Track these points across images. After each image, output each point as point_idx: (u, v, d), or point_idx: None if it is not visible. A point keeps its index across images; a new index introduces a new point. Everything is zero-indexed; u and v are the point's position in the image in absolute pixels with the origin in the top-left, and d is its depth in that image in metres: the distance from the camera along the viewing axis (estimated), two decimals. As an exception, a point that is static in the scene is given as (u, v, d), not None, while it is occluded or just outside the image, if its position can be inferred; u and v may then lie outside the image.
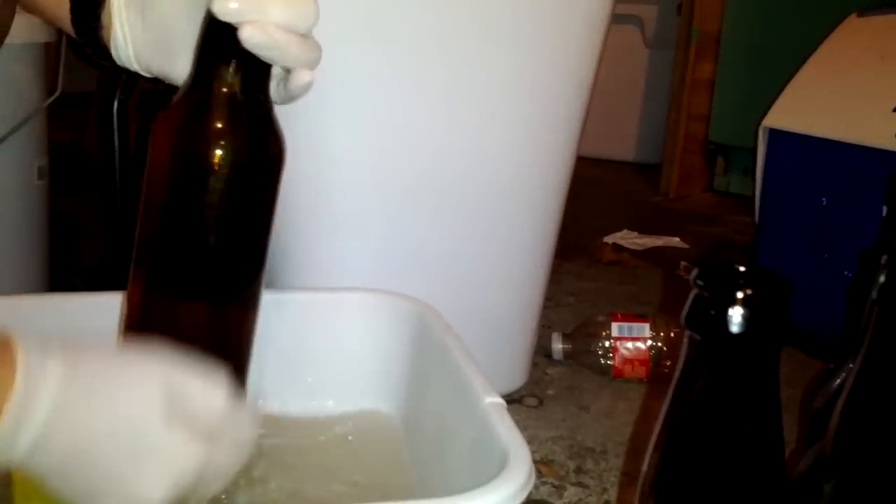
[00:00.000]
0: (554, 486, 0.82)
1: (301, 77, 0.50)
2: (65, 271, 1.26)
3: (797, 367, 0.97)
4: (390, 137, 0.84)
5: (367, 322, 0.71)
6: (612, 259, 1.52)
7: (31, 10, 0.60)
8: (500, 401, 0.55)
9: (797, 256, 1.16)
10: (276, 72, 0.51)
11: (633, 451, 0.88)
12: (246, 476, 0.58)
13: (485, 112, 0.86)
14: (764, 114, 1.20)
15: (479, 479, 0.45)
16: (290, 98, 0.52)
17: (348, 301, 0.72)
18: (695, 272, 0.33)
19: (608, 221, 1.71)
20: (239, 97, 0.49)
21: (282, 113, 0.53)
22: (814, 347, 1.00)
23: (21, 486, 0.47)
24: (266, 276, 0.53)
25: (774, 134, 1.18)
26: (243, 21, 0.47)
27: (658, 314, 1.08)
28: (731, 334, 0.32)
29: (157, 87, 0.56)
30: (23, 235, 1.11)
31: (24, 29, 1.01)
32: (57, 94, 1.10)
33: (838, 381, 0.61)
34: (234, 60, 0.48)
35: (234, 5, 0.47)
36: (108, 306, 0.60)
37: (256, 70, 0.49)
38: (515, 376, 1.01)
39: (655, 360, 1.04)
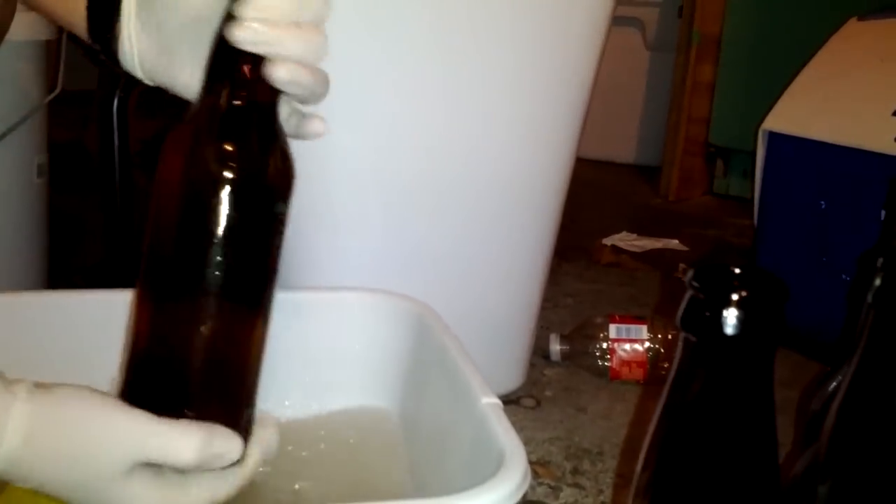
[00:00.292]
0: (550, 488, 0.82)
1: (315, 126, 0.53)
2: (64, 269, 1.26)
3: (796, 370, 0.97)
4: (390, 137, 0.84)
5: (365, 321, 0.71)
6: (611, 261, 1.52)
7: (38, 10, 0.60)
8: (497, 401, 0.55)
9: (796, 259, 1.16)
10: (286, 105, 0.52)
11: (630, 452, 0.88)
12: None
13: (485, 112, 0.86)
14: (764, 117, 1.20)
15: (476, 479, 0.46)
16: (298, 137, 0.53)
17: (347, 300, 0.72)
18: (690, 273, 0.33)
19: (607, 223, 1.71)
20: (251, 118, 0.49)
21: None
22: (812, 350, 1.00)
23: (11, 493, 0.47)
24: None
25: (774, 137, 1.18)
26: (259, 52, 0.47)
27: (656, 316, 1.08)
28: (725, 336, 0.32)
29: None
30: (22, 233, 1.11)
31: (24, 26, 1.01)
32: (57, 91, 1.10)
33: (835, 383, 0.61)
34: (248, 86, 0.48)
35: (254, 36, 0.46)
36: (108, 304, 0.61)
37: (269, 95, 0.50)
38: (513, 377, 1.01)
39: (653, 361, 1.04)
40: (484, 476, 0.46)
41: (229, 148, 0.48)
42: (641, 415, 0.97)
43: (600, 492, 0.82)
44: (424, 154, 0.85)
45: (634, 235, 1.66)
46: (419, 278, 0.87)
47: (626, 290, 1.39)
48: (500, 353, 0.97)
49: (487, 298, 0.93)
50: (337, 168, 0.84)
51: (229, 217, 0.47)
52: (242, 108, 0.49)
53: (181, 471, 0.45)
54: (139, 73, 0.54)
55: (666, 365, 1.03)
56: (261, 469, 0.58)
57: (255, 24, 0.46)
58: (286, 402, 0.68)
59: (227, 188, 0.47)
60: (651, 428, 0.35)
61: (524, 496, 0.46)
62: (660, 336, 1.04)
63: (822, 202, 1.13)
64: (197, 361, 0.48)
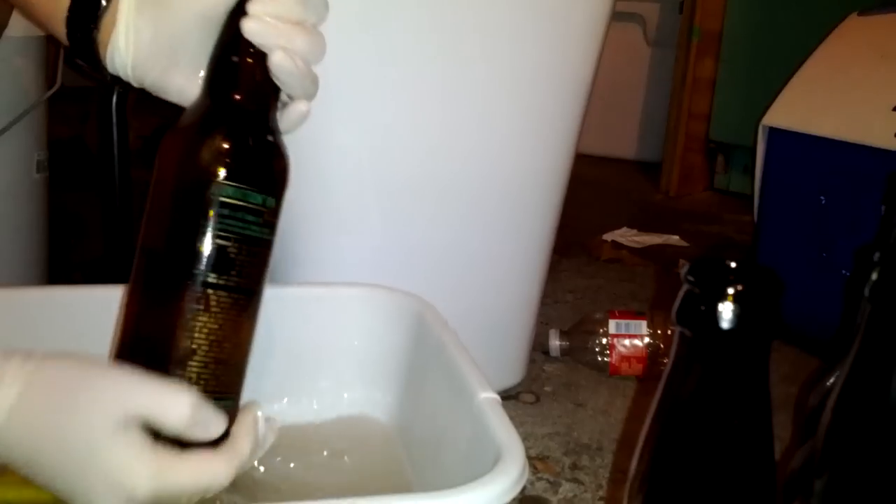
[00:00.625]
0: (549, 483, 0.82)
1: (300, 107, 0.53)
2: (64, 265, 1.26)
3: (796, 366, 0.97)
4: (389, 135, 0.84)
5: (364, 317, 0.71)
6: (612, 257, 1.52)
7: (18, 9, 0.59)
8: (495, 396, 0.55)
9: (796, 255, 1.16)
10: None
11: (629, 448, 0.89)
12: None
13: (484, 109, 0.86)
14: (764, 112, 1.20)
15: (474, 473, 0.46)
16: (286, 128, 0.53)
17: (346, 296, 0.72)
18: (686, 268, 0.33)
19: (608, 219, 1.71)
20: (252, 118, 0.50)
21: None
22: (812, 345, 1.00)
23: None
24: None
25: (774, 132, 1.18)
26: (269, 45, 0.49)
27: (656, 312, 1.08)
28: (721, 330, 0.32)
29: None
30: (21, 229, 1.11)
31: (23, 22, 1.01)
32: (56, 87, 1.10)
33: (832, 378, 0.61)
34: (251, 82, 0.50)
35: (266, 29, 0.49)
36: (107, 300, 0.61)
37: (270, 93, 0.51)
38: (513, 372, 1.01)
39: (652, 357, 1.04)
40: (482, 471, 0.46)
41: (228, 143, 0.49)
42: (641, 410, 0.97)
43: (599, 487, 0.82)
44: (424, 151, 0.85)
45: (635, 231, 1.65)
46: (419, 275, 0.87)
47: (626, 286, 1.39)
48: (499, 349, 0.98)
49: (487, 295, 0.94)
50: (336, 166, 0.84)
51: (220, 209, 0.48)
52: (243, 104, 0.50)
53: (176, 442, 0.45)
54: (128, 73, 0.53)
55: (665, 360, 1.03)
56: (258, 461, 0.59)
57: (267, 18, 0.49)
58: (284, 395, 0.68)
59: (222, 182, 0.48)
60: (647, 422, 0.35)
61: (523, 491, 0.46)
62: (659, 331, 1.04)
63: (823, 197, 1.12)
64: (179, 350, 0.48)
